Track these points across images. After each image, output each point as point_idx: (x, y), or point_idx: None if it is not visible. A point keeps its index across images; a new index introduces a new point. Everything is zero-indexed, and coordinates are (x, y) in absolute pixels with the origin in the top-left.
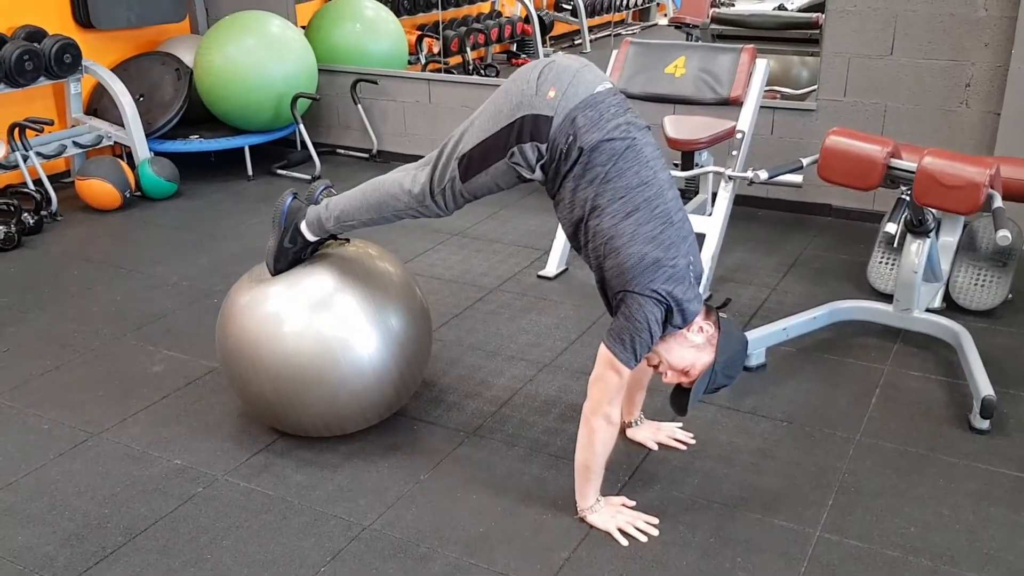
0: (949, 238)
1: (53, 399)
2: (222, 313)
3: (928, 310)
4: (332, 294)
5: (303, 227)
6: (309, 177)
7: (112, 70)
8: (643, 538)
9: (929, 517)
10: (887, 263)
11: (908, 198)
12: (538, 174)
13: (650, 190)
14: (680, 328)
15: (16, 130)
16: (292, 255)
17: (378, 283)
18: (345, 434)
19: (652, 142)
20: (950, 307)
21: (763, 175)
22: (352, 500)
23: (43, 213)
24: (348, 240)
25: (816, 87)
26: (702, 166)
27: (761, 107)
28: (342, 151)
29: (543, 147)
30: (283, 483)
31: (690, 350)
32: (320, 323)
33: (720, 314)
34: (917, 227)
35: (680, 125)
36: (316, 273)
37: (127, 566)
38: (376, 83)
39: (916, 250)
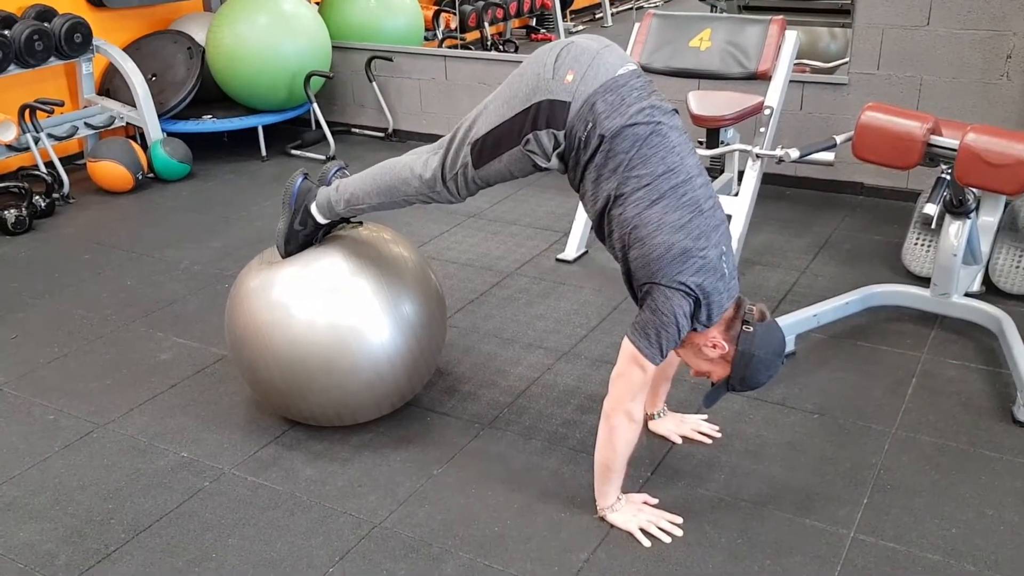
0: (989, 218)
1: (60, 388)
2: (231, 298)
3: (967, 294)
4: (344, 279)
5: (313, 209)
6: (324, 157)
7: (124, 49)
8: (666, 539)
9: (971, 517)
10: (923, 244)
11: (949, 177)
12: (554, 163)
13: (677, 177)
14: (705, 326)
15: (27, 111)
16: (303, 238)
17: (392, 268)
18: (357, 424)
19: (679, 126)
20: (990, 291)
21: (794, 154)
22: (363, 496)
23: (55, 196)
24: (361, 223)
25: (846, 60)
26: (728, 143)
27: (790, 81)
28: (357, 130)
29: (560, 134)
30: (292, 477)
31: (705, 362)
32: (331, 308)
33: (752, 320)
34: (957, 207)
35: (705, 101)
36: (328, 257)
37: (130, 565)
38: (391, 60)
39: (955, 232)
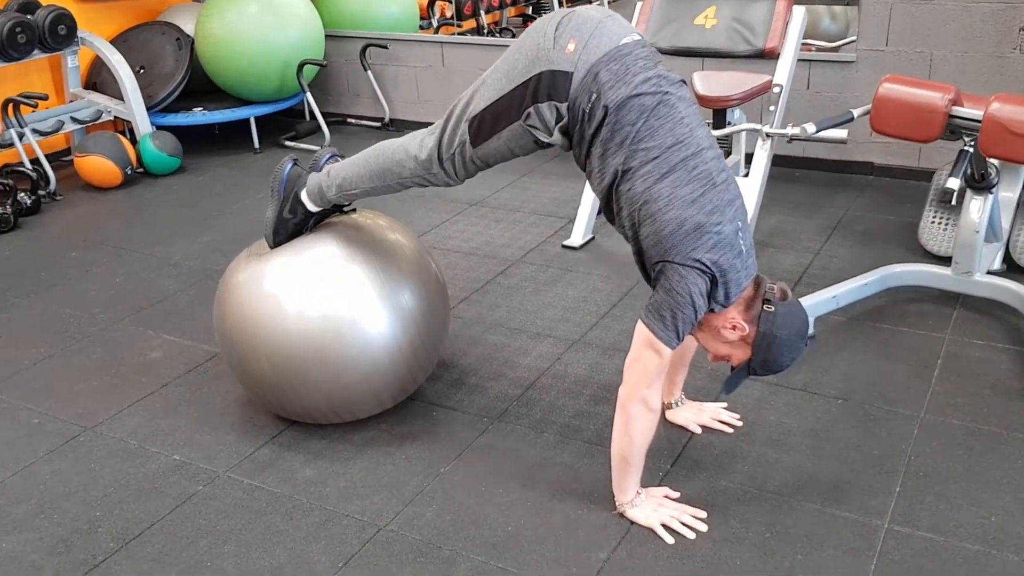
0: (1008, 194)
1: (45, 390)
2: (219, 292)
3: (988, 272)
4: (338, 267)
5: (303, 196)
6: (319, 149)
7: (110, 42)
8: (690, 534)
9: (1009, 504)
10: (940, 223)
11: (971, 150)
12: (557, 137)
13: (687, 149)
14: (723, 306)
15: (10, 106)
16: (292, 227)
17: (389, 255)
18: (357, 420)
19: (687, 97)
20: (1010, 268)
21: (811, 128)
22: (366, 497)
23: (41, 193)
24: (355, 210)
25: (849, 39)
26: (734, 125)
27: (796, 60)
28: (353, 120)
29: (562, 107)
30: (290, 479)
31: (724, 345)
32: (325, 298)
33: (774, 299)
34: (979, 182)
35: (711, 81)
36: (320, 244)
37: (119, 575)
38: (386, 48)
39: (978, 208)
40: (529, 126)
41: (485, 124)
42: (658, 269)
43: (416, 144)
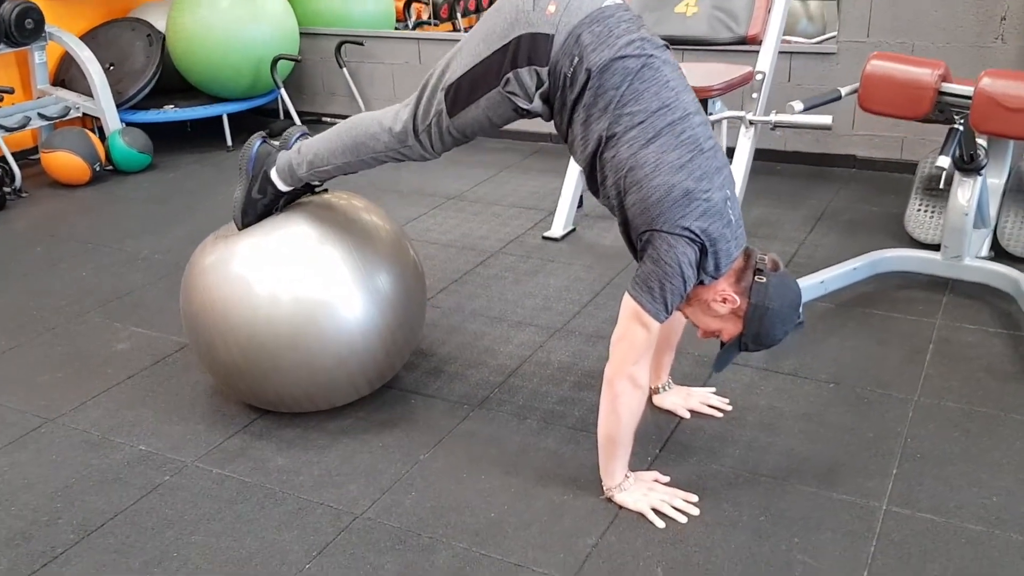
0: (995, 180)
1: (5, 382)
2: (186, 276)
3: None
4: (310, 247)
5: (273, 175)
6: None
7: (80, 38)
8: (682, 519)
9: (1010, 484)
10: (926, 210)
11: (962, 128)
12: (537, 104)
13: (673, 113)
14: (713, 277)
15: None
16: (261, 207)
17: (363, 236)
18: (332, 408)
19: (671, 61)
20: (999, 255)
21: (798, 107)
22: (341, 485)
23: (6, 190)
24: (327, 190)
25: (827, 35)
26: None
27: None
28: (328, 119)
29: (543, 72)
30: (262, 468)
31: (715, 319)
32: (297, 280)
33: (765, 271)
34: (968, 163)
35: (692, 72)
36: (291, 224)
37: (79, 567)
38: (362, 44)
39: (966, 190)
40: (508, 93)
41: (462, 92)
42: (645, 239)
43: (391, 116)
